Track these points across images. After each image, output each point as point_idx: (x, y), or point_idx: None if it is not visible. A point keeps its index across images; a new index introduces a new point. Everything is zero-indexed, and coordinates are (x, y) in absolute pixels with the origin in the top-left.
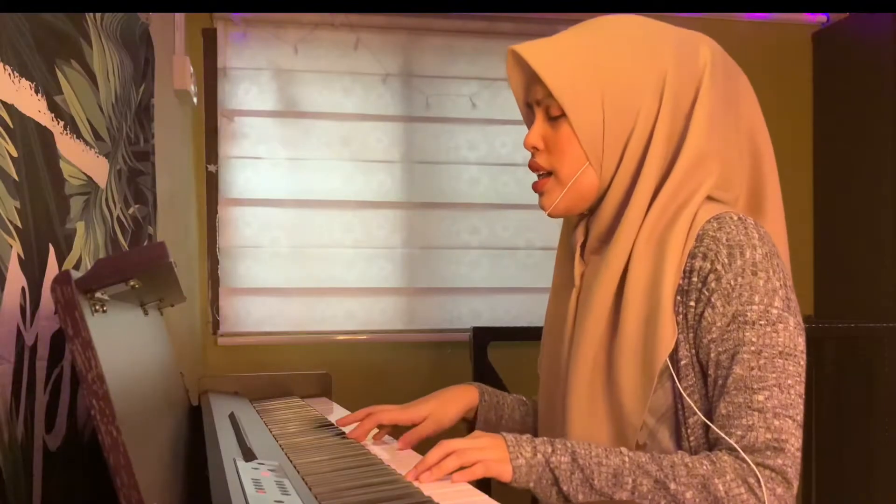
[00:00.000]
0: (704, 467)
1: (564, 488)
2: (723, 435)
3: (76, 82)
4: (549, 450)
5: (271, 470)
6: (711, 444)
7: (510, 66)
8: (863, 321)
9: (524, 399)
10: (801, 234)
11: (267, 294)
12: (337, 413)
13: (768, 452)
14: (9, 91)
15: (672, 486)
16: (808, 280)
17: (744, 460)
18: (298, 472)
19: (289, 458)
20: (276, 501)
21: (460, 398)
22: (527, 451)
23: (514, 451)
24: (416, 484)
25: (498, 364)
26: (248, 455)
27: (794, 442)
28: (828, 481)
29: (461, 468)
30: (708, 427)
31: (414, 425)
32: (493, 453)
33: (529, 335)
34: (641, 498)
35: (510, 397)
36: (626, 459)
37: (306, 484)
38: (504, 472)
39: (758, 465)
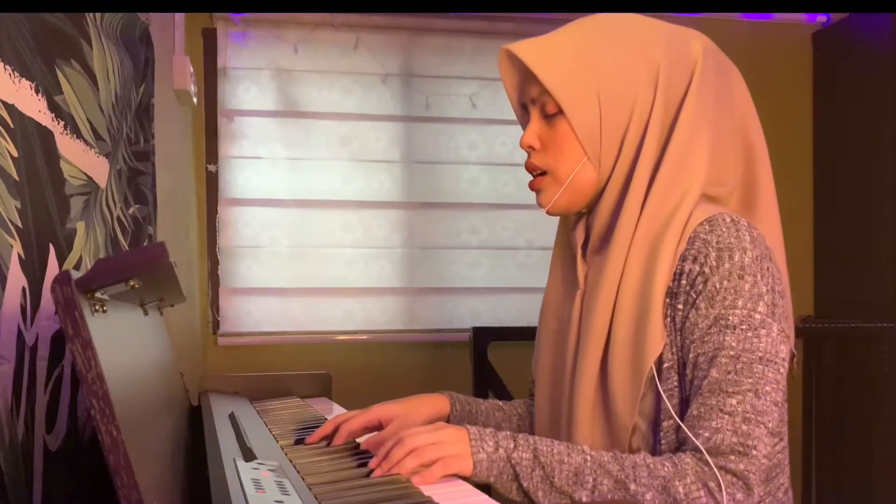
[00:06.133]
0: (666, 469)
1: (525, 484)
2: (690, 435)
3: (76, 82)
4: (511, 445)
5: (271, 470)
6: (680, 443)
7: (503, 66)
8: (863, 321)
9: (500, 404)
10: (801, 234)
11: (267, 294)
12: (337, 413)
13: (732, 457)
14: (9, 91)
15: (632, 486)
16: (808, 280)
17: (706, 463)
18: (298, 472)
19: (289, 458)
20: (276, 501)
21: (430, 405)
22: (489, 445)
23: (476, 446)
24: (414, 483)
25: (498, 364)
26: (248, 455)
27: (762, 448)
28: (828, 481)
29: (421, 466)
30: (679, 431)
31: (383, 425)
32: (454, 447)
33: (529, 335)
34: (601, 497)
35: (484, 404)
36: (588, 458)
37: (306, 484)
38: (464, 468)
39: (720, 468)
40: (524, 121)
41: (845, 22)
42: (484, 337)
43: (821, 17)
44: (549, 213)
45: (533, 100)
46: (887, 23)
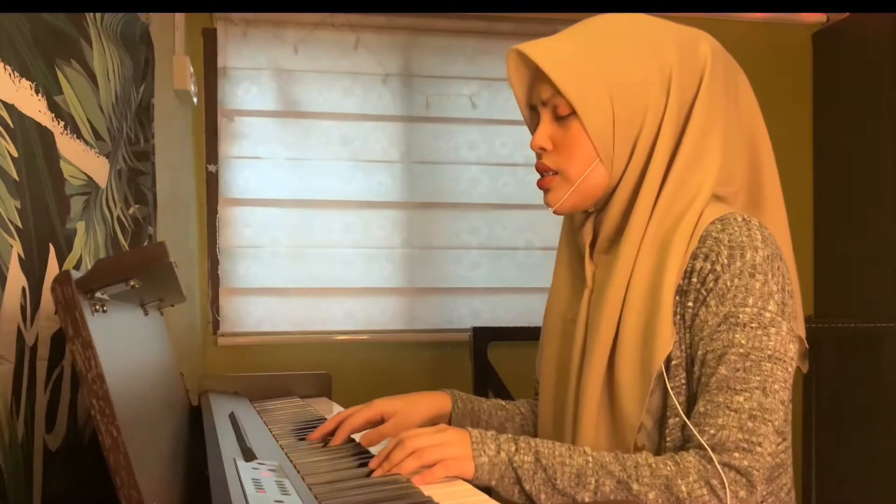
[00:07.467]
0: (668, 468)
1: (527, 487)
2: (695, 432)
3: (76, 82)
4: (513, 448)
5: (271, 470)
6: (685, 441)
7: (511, 67)
8: (863, 321)
9: (503, 403)
10: (801, 234)
11: (267, 294)
12: (337, 413)
13: (736, 453)
14: (9, 91)
15: (635, 486)
16: (808, 280)
17: (709, 461)
18: (298, 472)
19: (289, 458)
20: (276, 501)
21: (432, 402)
22: (490, 448)
23: (478, 449)
24: (415, 483)
25: (498, 364)
26: (248, 455)
27: (767, 446)
28: (828, 481)
29: (422, 467)
30: (684, 429)
31: (383, 420)
32: (456, 450)
33: (529, 335)
34: (604, 498)
35: (487, 403)
36: (590, 459)
37: (306, 484)
38: (465, 470)
39: (724, 464)
40: (531, 122)
41: (845, 22)
42: (484, 337)
43: (821, 17)
44: (556, 212)
45: (544, 101)
46: (887, 23)
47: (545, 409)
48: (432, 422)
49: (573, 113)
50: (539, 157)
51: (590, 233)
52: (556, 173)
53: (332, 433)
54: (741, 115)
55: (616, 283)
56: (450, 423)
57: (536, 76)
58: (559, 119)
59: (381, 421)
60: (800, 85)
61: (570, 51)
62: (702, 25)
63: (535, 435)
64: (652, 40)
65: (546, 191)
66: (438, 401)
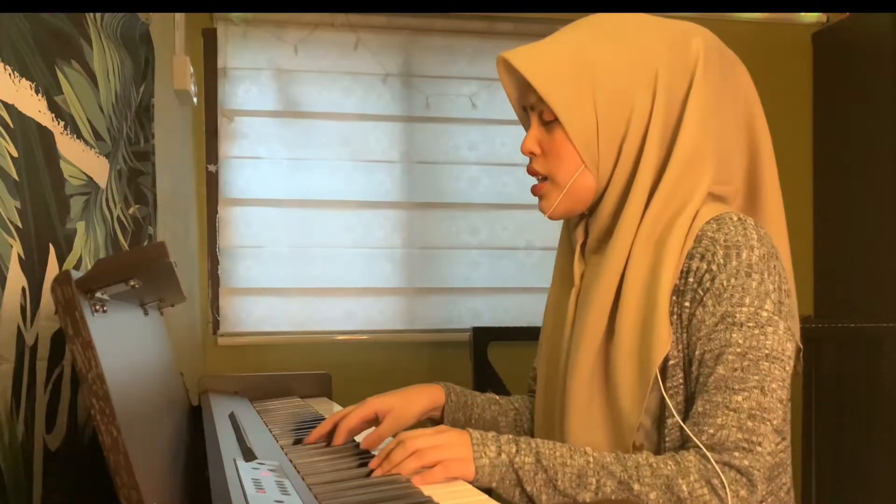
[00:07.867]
0: (669, 468)
1: (528, 489)
2: (691, 434)
3: (76, 82)
4: (514, 450)
5: (271, 470)
6: (685, 440)
7: (502, 73)
8: (863, 321)
9: (497, 398)
10: (801, 234)
11: (267, 294)
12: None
13: (736, 453)
14: (9, 91)
15: (636, 486)
16: (808, 280)
17: (710, 460)
18: (298, 472)
19: (289, 458)
20: (276, 501)
21: (426, 396)
22: (491, 450)
23: (479, 450)
24: (415, 484)
25: (498, 364)
26: (248, 455)
27: (767, 445)
28: (828, 481)
29: (422, 468)
30: (683, 428)
31: (380, 418)
32: (456, 451)
33: (529, 335)
34: (605, 499)
35: (481, 397)
36: (591, 460)
37: (306, 484)
38: (466, 472)
39: (724, 464)
40: (526, 123)
41: (845, 22)
42: (484, 337)
43: (821, 17)
44: (550, 218)
45: (531, 106)
46: (887, 23)
47: (539, 406)
48: (427, 416)
49: (557, 119)
50: (530, 160)
51: (582, 233)
52: (545, 178)
53: (329, 434)
54: (739, 110)
55: (603, 283)
56: (443, 416)
57: (525, 81)
58: (545, 124)
59: (376, 419)
60: (800, 85)
61: (554, 56)
62: (702, 25)
63: (530, 431)
64: (638, 40)
65: (539, 198)
66: (432, 394)
